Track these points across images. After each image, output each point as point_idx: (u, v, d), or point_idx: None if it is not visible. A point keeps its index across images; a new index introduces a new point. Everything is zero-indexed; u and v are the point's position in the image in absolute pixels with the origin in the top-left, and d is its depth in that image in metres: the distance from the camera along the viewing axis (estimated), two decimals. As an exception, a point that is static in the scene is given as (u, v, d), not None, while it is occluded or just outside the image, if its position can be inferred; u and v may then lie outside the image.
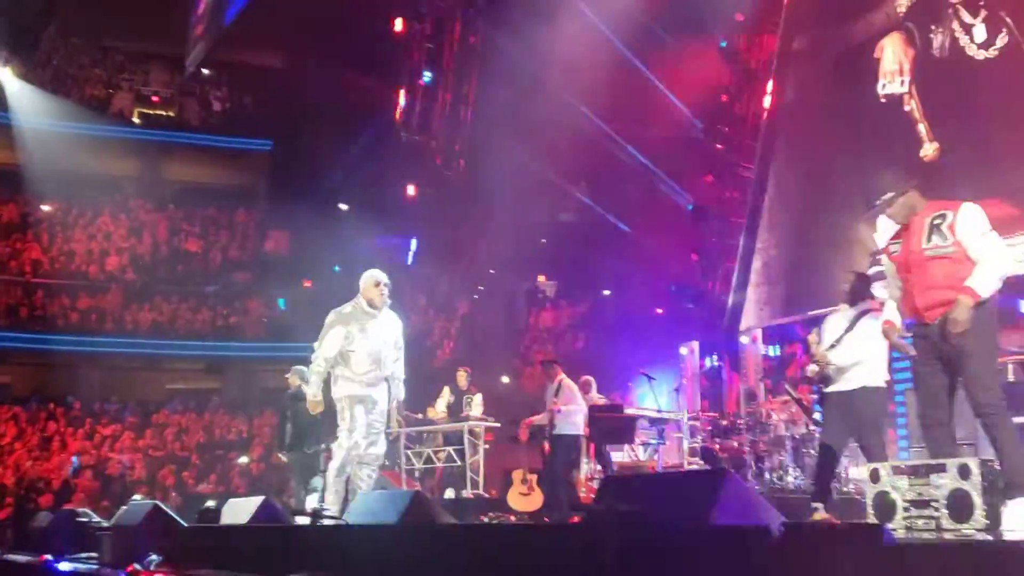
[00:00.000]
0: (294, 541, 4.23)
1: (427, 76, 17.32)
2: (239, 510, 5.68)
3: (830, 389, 6.35)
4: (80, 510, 7.91)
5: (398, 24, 17.01)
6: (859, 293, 6.37)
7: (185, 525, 6.05)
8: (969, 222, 4.87)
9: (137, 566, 5.09)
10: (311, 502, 9.61)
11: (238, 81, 26.58)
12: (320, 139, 21.62)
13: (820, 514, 5.97)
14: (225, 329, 21.84)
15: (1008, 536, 4.16)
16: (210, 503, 6.68)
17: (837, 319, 6.49)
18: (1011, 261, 4.82)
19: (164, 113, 26.00)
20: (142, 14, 21.50)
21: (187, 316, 21.72)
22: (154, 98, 25.89)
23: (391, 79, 18.32)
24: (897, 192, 5.10)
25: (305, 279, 22.83)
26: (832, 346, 6.26)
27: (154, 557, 5.30)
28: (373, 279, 7.40)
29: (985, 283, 4.74)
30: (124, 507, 7.64)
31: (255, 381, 22.18)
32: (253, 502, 5.48)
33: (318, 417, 11.02)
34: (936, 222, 4.94)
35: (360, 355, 7.24)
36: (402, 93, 17.87)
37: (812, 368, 6.54)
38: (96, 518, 7.54)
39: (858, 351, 6.18)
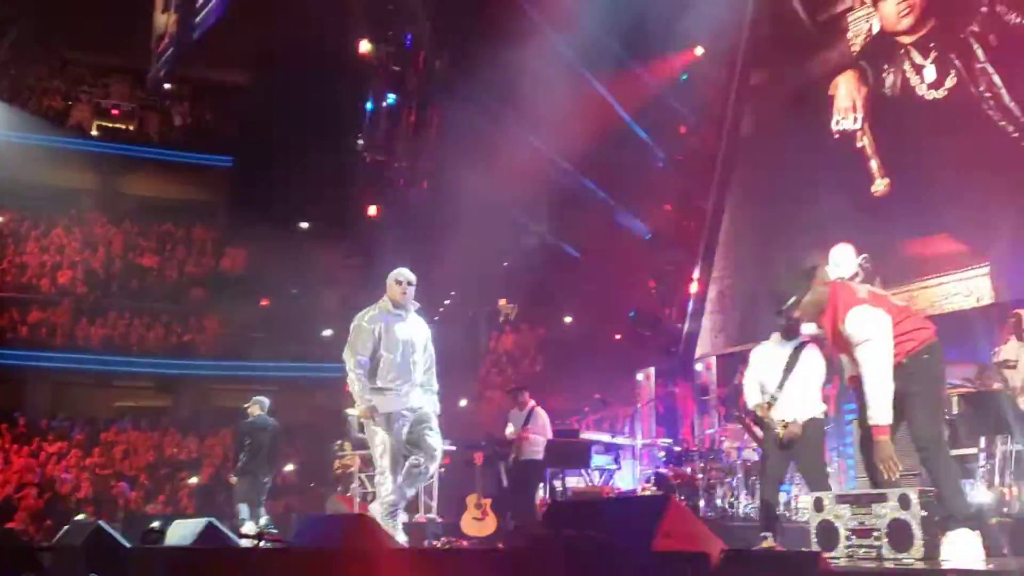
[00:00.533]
0: (238, 564, 4.21)
1: (391, 98, 17.36)
2: (184, 531, 5.63)
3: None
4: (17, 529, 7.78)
5: (364, 46, 17.03)
6: (796, 327, 6.24)
7: (128, 546, 5.97)
8: (850, 328, 4.87)
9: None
10: (250, 528, 9.63)
11: (200, 97, 26.47)
12: (282, 157, 21.52)
13: (769, 542, 6.02)
14: (178, 347, 21.60)
15: (946, 565, 4.24)
16: (155, 524, 6.56)
17: (769, 354, 6.44)
18: (888, 365, 4.80)
19: (124, 127, 25.78)
20: (104, 26, 21.36)
21: (140, 332, 21.47)
22: (114, 111, 25.66)
23: (355, 100, 18.33)
24: (798, 295, 5.09)
25: (262, 298, 22.67)
26: (774, 397, 6.23)
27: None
28: (394, 277, 7.00)
29: (881, 412, 4.74)
30: (66, 527, 7.53)
31: (208, 400, 21.95)
32: (198, 523, 5.44)
33: (275, 447, 11.41)
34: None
35: (387, 359, 6.76)
36: (366, 114, 17.89)
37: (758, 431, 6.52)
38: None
39: (802, 391, 6.20)
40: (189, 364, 21.25)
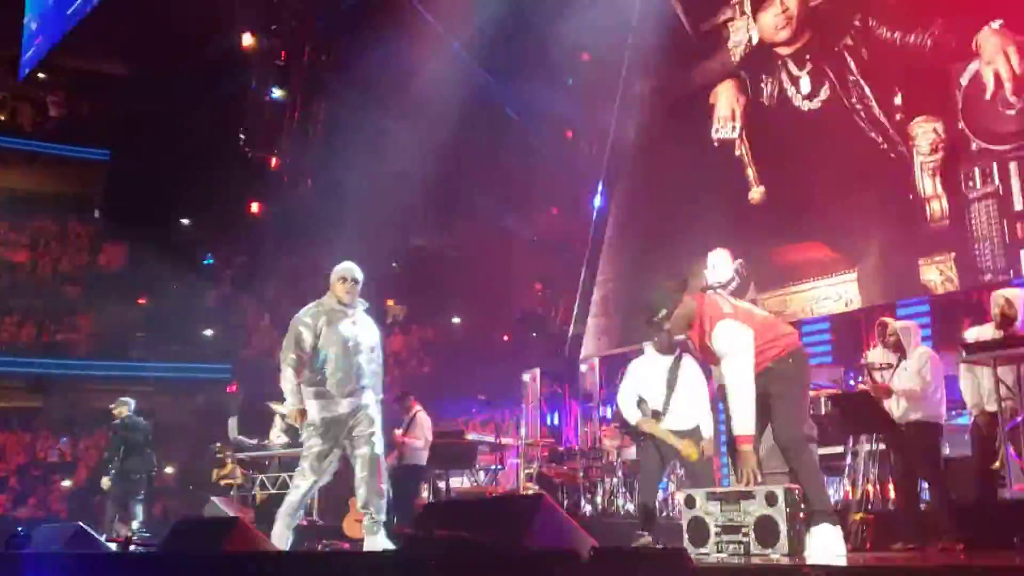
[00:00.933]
0: (106, 570, 4.09)
1: (276, 93, 17.08)
2: (52, 536, 5.44)
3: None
4: None
5: (247, 39, 16.71)
6: (671, 339, 6.16)
7: (-6, 552, 5.74)
8: (716, 343, 5.01)
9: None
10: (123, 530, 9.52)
11: (77, 87, 25.60)
12: (162, 151, 20.97)
13: (645, 540, 6.14)
14: (51, 345, 20.85)
15: (810, 560, 4.41)
16: (20, 528, 6.31)
17: (648, 368, 6.49)
18: (749, 378, 4.96)
19: (-6, 117, 24.82)
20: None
21: (11, 330, 20.65)
22: (-17, 101, 24.68)
23: (238, 94, 17.99)
24: (668, 308, 5.18)
25: (141, 296, 22.07)
26: (662, 411, 6.27)
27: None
28: (338, 274, 6.45)
29: (743, 423, 4.89)
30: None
31: (82, 401, 21.22)
32: (67, 528, 5.26)
33: (148, 445, 11.22)
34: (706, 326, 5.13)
35: (331, 358, 6.24)
36: (250, 110, 17.58)
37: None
38: None
39: (689, 401, 6.30)
40: (62, 363, 20.55)
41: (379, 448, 6.29)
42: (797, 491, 4.68)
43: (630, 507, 10.00)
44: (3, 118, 24.92)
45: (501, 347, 17.58)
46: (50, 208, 24.54)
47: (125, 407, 11.32)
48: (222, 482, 12.19)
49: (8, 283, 21.72)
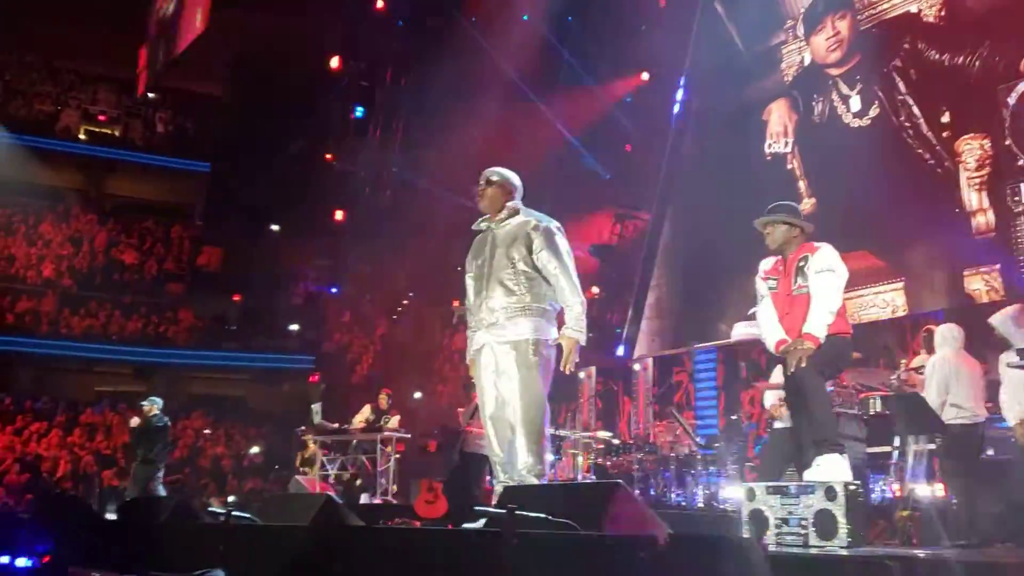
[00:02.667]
0: (209, 538, 4.03)
1: (359, 111, 17.17)
2: (156, 507, 5.42)
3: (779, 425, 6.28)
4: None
5: (334, 62, 16.84)
6: None
7: (105, 519, 5.74)
8: (817, 261, 4.84)
9: (55, 558, 4.80)
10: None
11: (182, 106, 26.06)
12: (255, 164, 21.24)
13: None
14: (155, 336, 21.18)
15: (866, 552, 4.18)
16: (129, 498, 6.33)
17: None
18: (838, 297, 4.79)
19: (109, 131, 25.33)
20: (94, 37, 20.96)
21: (120, 323, 21.01)
22: (100, 116, 25.22)
23: (325, 112, 18.13)
24: (776, 221, 5.04)
25: (235, 293, 22.38)
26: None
27: (72, 550, 5.00)
28: None
29: (816, 325, 4.70)
30: (47, 501, 7.26)
31: (182, 387, 21.55)
32: (170, 500, 5.23)
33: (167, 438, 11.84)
34: (801, 264, 4.95)
35: None
36: (335, 126, 17.70)
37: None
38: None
39: None
40: (165, 353, 20.85)
41: None
42: (856, 487, 4.44)
43: (682, 498, 9.78)
44: (117, 133, 25.41)
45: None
46: (156, 214, 25.03)
47: (155, 406, 11.68)
48: (303, 465, 12.26)
49: (119, 280, 22.14)
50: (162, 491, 11.24)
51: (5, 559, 5.58)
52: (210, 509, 4.55)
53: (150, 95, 24.13)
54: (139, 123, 25.74)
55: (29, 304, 20.21)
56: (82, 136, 24.58)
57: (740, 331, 11.04)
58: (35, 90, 24.63)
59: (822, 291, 4.77)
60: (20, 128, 22.36)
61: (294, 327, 22.07)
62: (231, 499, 10.64)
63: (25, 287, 20.62)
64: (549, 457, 10.93)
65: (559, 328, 4.76)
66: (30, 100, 24.30)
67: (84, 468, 16.22)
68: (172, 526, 4.82)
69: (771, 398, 7.14)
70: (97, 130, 25.01)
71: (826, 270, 4.80)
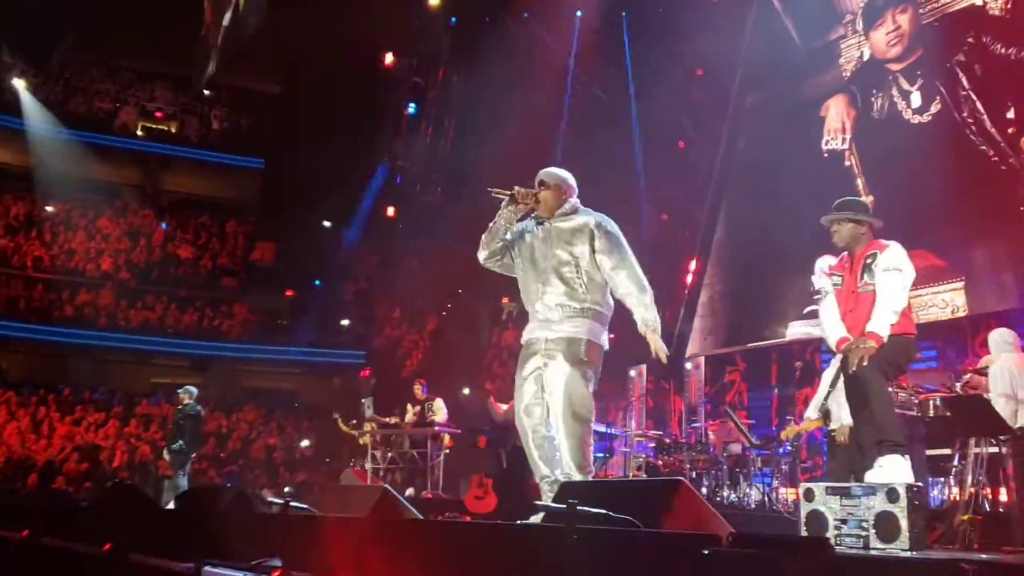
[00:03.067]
0: (267, 528, 4.08)
1: (412, 108, 17.25)
2: (214, 496, 5.50)
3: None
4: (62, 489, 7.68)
5: (388, 58, 16.95)
6: None
7: (163, 508, 5.85)
8: (885, 259, 4.78)
9: (113, 545, 4.88)
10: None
11: (237, 103, 26.45)
12: (309, 160, 21.46)
13: None
14: (210, 330, 21.54)
15: (934, 555, 4.09)
16: (188, 488, 6.44)
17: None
18: (903, 296, 4.71)
19: (166, 128, 25.80)
20: (151, 35, 21.31)
21: (175, 316, 21.40)
22: (157, 113, 25.70)
23: (377, 108, 18.24)
24: (844, 219, 4.97)
25: (288, 288, 22.65)
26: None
27: (130, 537, 5.09)
28: None
29: (880, 324, 4.64)
30: (104, 489, 7.41)
31: (236, 380, 21.88)
32: (228, 490, 5.30)
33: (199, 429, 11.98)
34: (868, 261, 4.87)
35: None
36: (387, 123, 17.80)
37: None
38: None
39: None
40: (220, 346, 21.19)
41: None
42: (919, 488, 4.35)
43: (734, 498, 9.68)
44: (174, 129, 25.88)
45: (609, 344, 17.29)
46: (211, 209, 25.44)
47: (187, 395, 11.74)
48: (360, 439, 12.36)
49: (175, 274, 22.55)
50: (184, 481, 11.33)
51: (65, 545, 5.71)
52: (268, 499, 4.60)
53: (206, 92, 24.53)
54: (195, 120, 26.19)
55: (87, 297, 20.68)
56: (139, 132, 25.08)
57: (796, 330, 10.90)
58: (94, 88, 25.18)
59: (888, 290, 4.69)
60: (80, 125, 22.89)
61: (345, 322, 22.28)
62: (288, 489, 10.72)
63: (84, 280, 21.10)
64: (598, 455, 10.94)
65: (639, 326, 4.75)
66: (90, 97, 24.85)
67: (140, 458, 16.55)
68: (230, 515, 4.88)
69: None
70: (154, 126, 25.50)
71: (893, 268, 4.73)
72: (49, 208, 22.34)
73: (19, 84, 21.83)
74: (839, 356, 6.16)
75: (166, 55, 23.18)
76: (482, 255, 5.07)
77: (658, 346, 4.70)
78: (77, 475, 15.36)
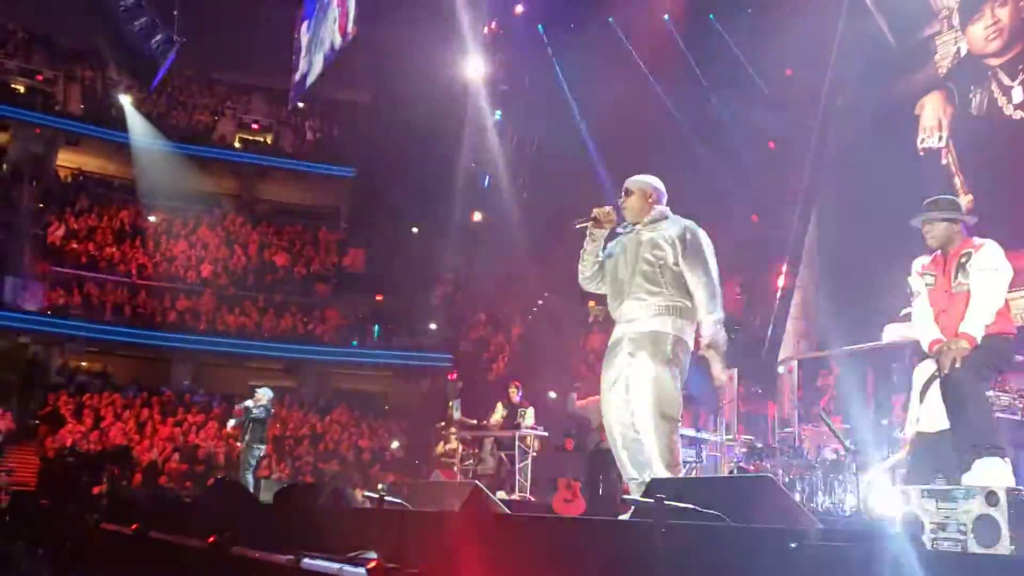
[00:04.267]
0: (362, 522, 4.21)
1: (497, 115, 17.41)
2: (311, 492, 5.69)
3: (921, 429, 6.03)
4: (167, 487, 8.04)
5: (475, 67, 17.16)
6: None
7: (263, 503, 6.07)
8: (980, 258, 4.64)
9: (218, 539, 5.11)
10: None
11: (328, 114, 27.06)
12: (397, 168, 21.84)
13: None
14: (304, 334, 22.08)
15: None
16: (286, 484, 6.67)
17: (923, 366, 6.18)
18: (1000, 295, 4.57)
19: (262, 139, 26.58)
20: (247, 50, 22.02)
21: (271, 321, 22.01)
22: (254, 125, 26.51)
23: (464, 115, 18.46)
24: (937, 218, 4.81)
25: (377, 293, 23.06)
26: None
27: (234, 532, 5.31)
28: None
29: (974, 324, 4.50)
30: (207, 487, 7.70)
31: (329, 382, 22.38)
32: (325, 486, 5.48)
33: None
34: (963, 260, 4.74)
35: None
36: (474, 130, 18.01)
37: None
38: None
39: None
40: (313, 349, 21.70)
41: None
42: (1020, 492, 4.23)
43: (829, 504, 9.48)
44: (269, 140, 26.65)
45: (698, 346, 17.12)
46: (304, 218, 26.11)
47: (264, 396, 11.98)
48: (443, 458, 12.50)
49: (271, 280, 23.20)
50: (249, 478, 11.61)
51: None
52: (365, 494, 4.74)
53: (300, 104, 25.22)
54: (289, 131, 26.94)
55: (188, 303, 21.42)
56: (236, 144, 25.91)
57: (892, 332, 10.62)
58: (193, 102, 26.13)
59: (983, 289, 4.57)
60: (180, 138, 23.79)
61: (433, 326, 22.59)
62: (381, 486, 10.91)
63: (185, 287, 21.88)
64: (688, 460, 10.84)
65: (697, 340, 4.72)
66: (189, 111, 25.80)
67: (237, 457, 17.08)
68: (327, 510, 5.05)
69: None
70: (250, 138, 26.31)
71: (989, 268, 4.59)
72: (152, 218, 23.26)
73: (125, 100, 22.84)
74: (925, 363, 6.04)
75: (261, 68, 23.91)
76: (582, 280, 5.12)
77: (718, 369, 4.65)
78: (179, 474, 15.94)
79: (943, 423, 5.60)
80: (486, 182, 18.41)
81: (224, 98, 26.70)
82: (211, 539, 5.26)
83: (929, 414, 5.83)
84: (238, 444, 12.24)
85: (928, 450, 5.86)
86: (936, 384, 5.90)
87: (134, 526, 6.61)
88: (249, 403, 12.01)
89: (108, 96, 23.61)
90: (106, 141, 23.38)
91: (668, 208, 4.93)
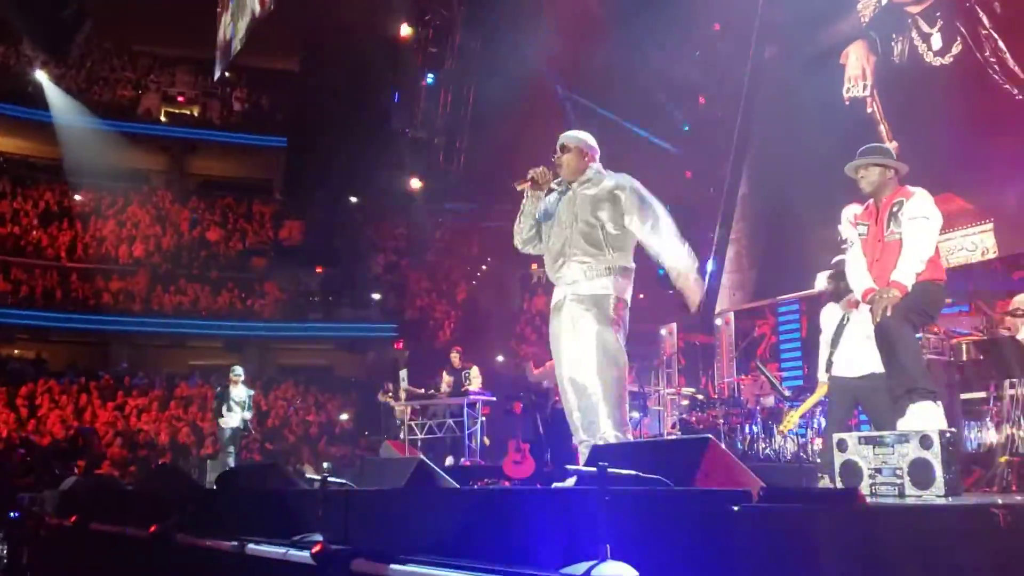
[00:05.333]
0: (306, 504, 4.15)
1: (430, 78, 17.14)
2: (254, 475, 5.60)
3: (835, 374, 6.11)
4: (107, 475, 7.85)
5: (404, 29, 16.83)
6: (844, 290, 5.92)
7: (205, 488, 5.96)
8: (911, 207, 4.69)
9: (160, 527, 5.00)
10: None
11: (257, 83, 26.50)
12: (331, 137, 21.48)
13: (825, 482, 5.79)
14: (243, 310, 21.76)
15: (969, 500, 4.08)
16: (229, 467, 6.54)
17: (831, 314, 6.22)
18: (931, 243, 4.64)
19: (188, 112, 25.92)
20: (169, 20, 21.38)
21: (208, 298, 21.64)
22: (179, 98, 25.83)
23: (396, 80, 18.17)
24: (872, 163, 4.87)
25: (317, 265, 22.80)
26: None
27: (175, 518, 5.21)
28: None
29: (905, 273, 4.57)
30: (149, 473, 7.55)
31: (271, 358, 22.13)
32: (266, 468, 5.39)
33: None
34: (895, 209, 4.79)
35: None
36: (406, 94, 17.73)
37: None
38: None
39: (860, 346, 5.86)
40: (253, 326, 21.41)
41: None
42: (952, 434, 4.33)
43: (769, 451, 9.70)
44: (196, 113, 26.00)
45: (639, 304, 17.25)
46: (237, 191, 25.63)
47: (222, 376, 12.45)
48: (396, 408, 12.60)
49: (206, 257, 22.77)
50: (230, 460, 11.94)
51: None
52: (306, 476, 4.68)
53: (226, 74, 24.60)
54: (216, 102, 26.31)
55: (121, 284, 20.93)
56: (163, 118, 25.23)
57: (823, 281, 10.81)
58: (115, 76, 25.32)
59: (915, 238, 4.63)
60: (104, 113, 23.06)
61: (376, 295, 22.43)
62: (326, 465, 10.90)
63: (117, 267, 21.37)
64: (633, 415, 10.97)
65: (675, 277, 4.74)
66: (112, 85, 25.01)
67: (182, 439, 16.85)
68: (271, 493, 4.97)
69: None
70: (176, 111, 25.64)
71: (920, 216, 4.65)
72: (78, 197, 22.58)
73: (42, 76, 21.99)
74: (830, 306, 6.16)
75: (184, 39, 23.26)
76: (517, 242, 5.10)
77: (695, 299, 4.80)
78: (121, 460, 15.65)
79: (865, 369, 5.74)
80: (422, 149, 18.14)
81: (147, 71, 25.94)
82: (153, 528, 5.15)
83: (847, 360, 5.98)
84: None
85: (847, 394, 6.00)
86: (848, 330, 6.04)
87: (73, 518, 6.44)
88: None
89: (24, 73, 22.71)
90: (25, 120, 22.53)
91: (601, 165, 4.91)
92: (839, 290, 6.09)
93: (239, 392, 12.51)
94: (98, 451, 14.97)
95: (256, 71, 25.72)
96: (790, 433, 9.42)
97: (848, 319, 6.05)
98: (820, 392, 6.40)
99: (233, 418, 12.25)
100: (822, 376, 6.25)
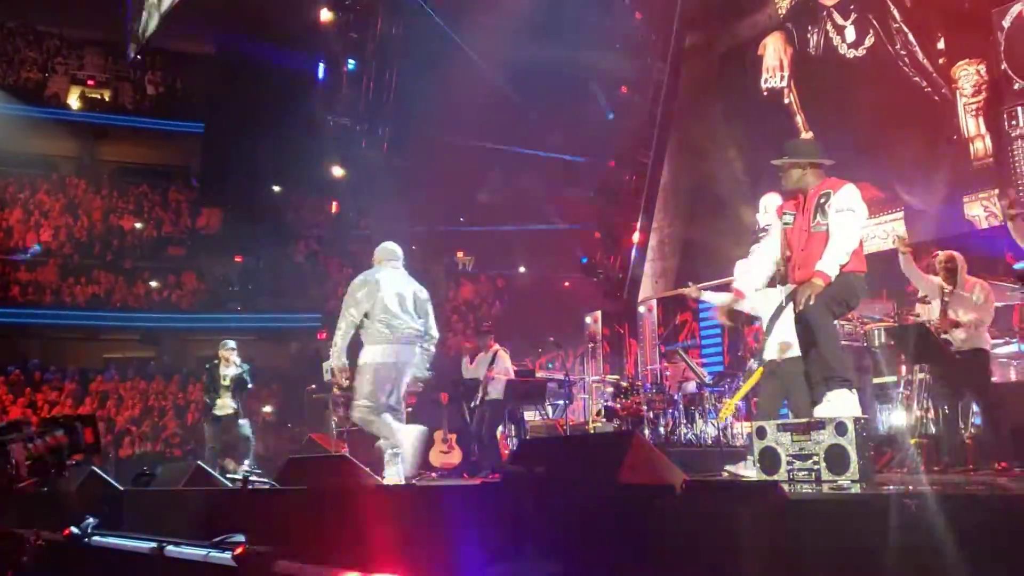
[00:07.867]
0: (227, 505, 4.07)
1: (351, 64, 16.89)
2: (174, 474, 5.47)
3: (767, 357, 6.20)
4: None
5: (324, 14, 16.54)
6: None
7: (121, 489, 5.79)
8: (838, 199, 4.79)
9: (74, 530, 4.84)
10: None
11: (171, 66, 25.75)
12: (249, 122, 21.01)
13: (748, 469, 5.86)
14: (160, 301, 21.20)
15: (883, 491, 4.22)
16: (145, 468, 6.35)
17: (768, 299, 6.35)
18: (856, 236, 4.78)
19: (99, 96, 25.07)
20: (75, 1, 20.63)
21: (124, 289, 21.01)
22: (90, 82, 24.96)
23: (317, 66, 17.89)
24: (795, 164, 4.96)
25: (236, 254, 22.32)
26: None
27: (91, 520, 5.06)
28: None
29: (829, 264, 4.68)
30: (62, 473, 7.30)
31: (190, 350, 21.62)
32: (187, 466, 5.27)
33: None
34: (822, 200, 4.90)
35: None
36: (327, 79, 17.46)
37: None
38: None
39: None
40: (170, 317, 20.87)
41: None
42: (866, 421, 4.47)
43: (691, 436, 9.87)
44: (107, 97, 25.16)
45: (563, 292, 17.39)
46: (152, 178, 24.87)
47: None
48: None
49: (119, 246, 22.09)
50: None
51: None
52: (228, 475, 4.57)
53: (138, 57, 23.86)
54: (128, 86, 25.48)
55: (31, 275, 20.20)
56: (72, 102, 24.35)
57: (743, 268, 11.03)
58: (20, 56, 24.34)
59: (841, 230, 4.74)
60: (8, 96, 22.13)
61: (298, 285, 22.08)
62: (247, 462, 10.50)
63: (25, 258, 20.59)
64: (559, 402, 11.07)
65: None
66: (16, 67, 24.03)
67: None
68: (191, 493, 4.87)
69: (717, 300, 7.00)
70: (87, 95, 24.78)
71: (847, 209, 4.75)
72: (-18, 185, 21.70)
73: (-62, 57, 21.06)
74: (767, 297, 6.27)
75: (92, 20, 22.47)
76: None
77: None
78: (34, 456, 15.11)
79: (790, 352, 5.88)
80: (343, 135, 17.90)
81: (54, 53, 24.96)
82: (66, 531, 5.00)
83: (774, 344, 6.11)
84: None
85: (774, 376, 6.14)
86: (782, 315, 6.17)
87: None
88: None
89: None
90: (-77, 105, 21.56)
91: None
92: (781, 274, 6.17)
93: (231, 371, 10.53)
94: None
95: (170, 54, 24.98)
96: (711, 417, 9.64)
97: (785, 304, 6.15)
98: (755, 377, 6.49)
99: (224, 404, 10.35)
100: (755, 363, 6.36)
